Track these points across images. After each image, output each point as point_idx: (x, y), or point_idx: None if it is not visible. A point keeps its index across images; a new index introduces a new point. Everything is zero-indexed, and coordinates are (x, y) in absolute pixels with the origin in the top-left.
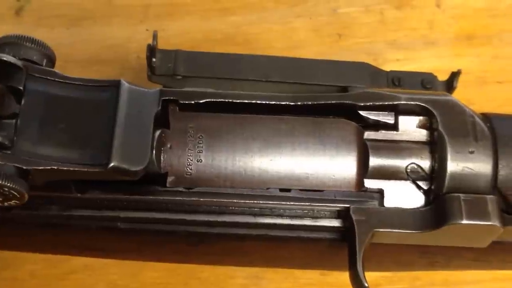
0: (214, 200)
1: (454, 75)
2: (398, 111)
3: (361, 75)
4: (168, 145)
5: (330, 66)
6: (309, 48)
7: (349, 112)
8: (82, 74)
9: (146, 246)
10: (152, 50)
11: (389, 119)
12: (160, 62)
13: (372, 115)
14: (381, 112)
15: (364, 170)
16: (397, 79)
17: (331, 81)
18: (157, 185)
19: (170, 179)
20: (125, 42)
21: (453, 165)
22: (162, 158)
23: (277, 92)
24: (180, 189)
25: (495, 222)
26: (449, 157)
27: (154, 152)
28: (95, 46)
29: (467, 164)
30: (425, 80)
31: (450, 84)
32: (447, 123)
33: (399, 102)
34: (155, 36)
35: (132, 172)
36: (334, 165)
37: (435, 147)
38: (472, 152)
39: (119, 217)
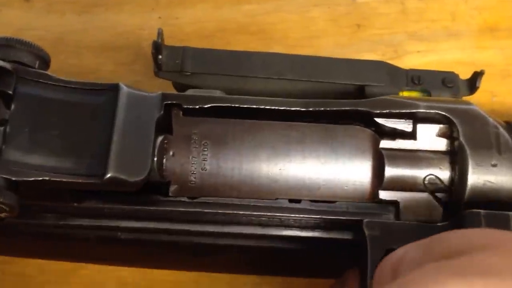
0: (219, 211)
1: (477, 75)
2: (417, 119)
3: (379, 73)
4: (171, 153)
5: (346, 64)
6: (327, 38)
7: (364, 119)
8: (94, 61)
9: (149, 255)
10: (157, 47)
11: (406, 127)
12: (167, 58)
13: (389, 123)
14: (398, 120)
15: (379, 180)
16: (417, 78)
17: (347, 79)
18: (159, 195)
19: (172, 188)
20: (137, 29)
21: (474, 179)
22: (164, 166)
23: (290, 90)
24: (184, 199)
25: None
26: (470, 170)
27: (155, 159)
28: (107, 33)
29: (489, 177)
30: (446, 79)
31: (472, 83)
32: (469, 134)
33: (417, 110)
34: (160, 33)
35: (131, 183)
36: (347, 175)
37: (455, 158)
38: (495, 165)
39: (119, 227)
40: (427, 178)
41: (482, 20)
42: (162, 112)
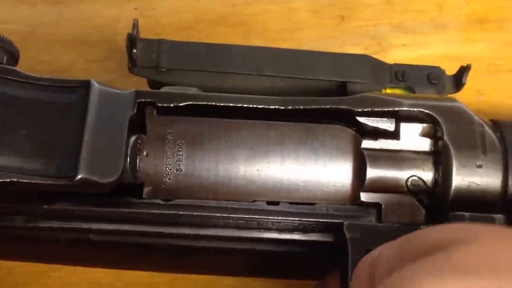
0: (194, 213)
1: (463, 70)
2: (400, 117)
3: (362, 69)
4: (145, 153)
5: (329, 58)
6: (310, 30)
7: (345, 117)
8: (66, 56)
9: (123, 257)
10: (132, 40)
11: (389, 126)
12: (142, 52)
13: (371, 122)
14: (381, 119)
15: (360, 182)
16: (401, 74)
17: (329, 75)
18: (132, 196)
19: (146, 190)
20: (113, 22)
21: (458, 180)
22: (137, 167)
23: (270, 87)
24: (158, 201)
25: None
26: (454, 170)
27: (128, 160)
28: (81, 26)
29: (474, 179)
30: (431, 75)
31: (458, 80)
32: (453, 133)
33: (400, 108)
34: (135, 25)
35: (102, 184)
36: (327, 176)
37: (439, 158)
38: (480, 166)
39: (91, 229)
40: (410, 180)
41: (471, 10)
42: (135, 110)
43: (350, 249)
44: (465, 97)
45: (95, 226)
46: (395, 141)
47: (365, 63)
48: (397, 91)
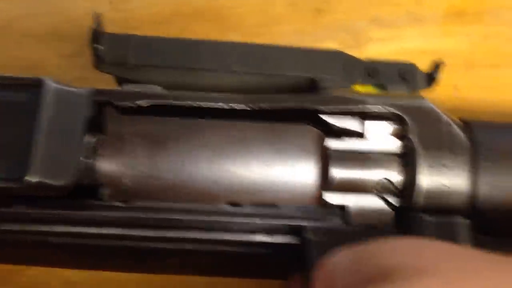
0: (154, 216)
1: (436, 66)
2: (367, 117)
3: (334, 65)
4: (103, 154)
5: (300, 54)
6: (286, 25)
7: (311, 116)
8: (40, 50)
9: (86, 259)
10: (96, 36)
11: (356, 126)
12: (109, 48)
13: (337, 121)
14: (347, 118)
15: (324, 182)
16: (373, 70)
17: (299, 71)
18: (91, 199)
19: (104, 191)
20: (87, 16)
21: (425, 181)
22: (95, 168)
23: (241, 84)
24: (117, 203)
25: None
26: (420, 171)
27: (86, 161)
28: (54, 20)
29: (441, 180)
30: (403, 71)
31: (431, 75)
32: (420, 132)
33: (367, 108)
34: (96, 19)
35: (56, 187)
36: (291, 177)
37: (407, 159)
38: (447, 167)
39: (50, 232)
40: (377, 181)
41: (449, 4)
42: (92, 109)
43: (312, 252)
44: (441, 93)
45: (54, 228)
46: (362, 140)
47: (337, 59)
48: (368, 89)
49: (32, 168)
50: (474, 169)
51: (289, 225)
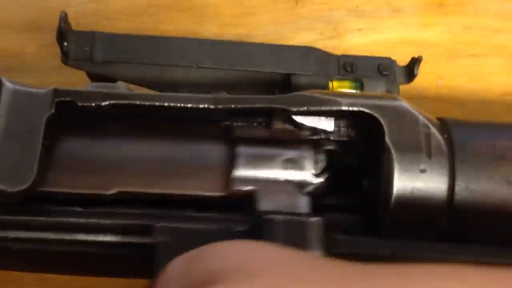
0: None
1: (415, 61)
2: (339, 117)
3: (307, 61)
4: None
5: (272, 50)
6: (263, 15)
7: (281, 116)
8: (16, 41)
9: (50, 264)
10: (62, 33)
11: (327, 126)
12: (75, 45)
13: (308, 121)
14: (318, 118)
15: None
16: (350, 65)
17: (272, 67)
18: (50, 203)
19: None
20: (63, 6)
21: (400, 185)
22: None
23: (211, 80)
24: (77, 208)
25: (314, 250)
26: (395, 175)
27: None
28: (31, 10)
29: (417, 184)
30: (382, 66)
31: (410, 70)
32: (396, 134)
33: (339, 108)
34: (63, 18)
35: (11, 193)
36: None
37: (380, 161)
38: (424, 171)
39: (7, 237)
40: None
41: None
42: (53, 110)
43: (158, 255)
44: (424, 82)
45: (12, 234)
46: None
47: (310, 54)
48: (344, 85)
49: None
50: (451, 172)
51: (138, 224)
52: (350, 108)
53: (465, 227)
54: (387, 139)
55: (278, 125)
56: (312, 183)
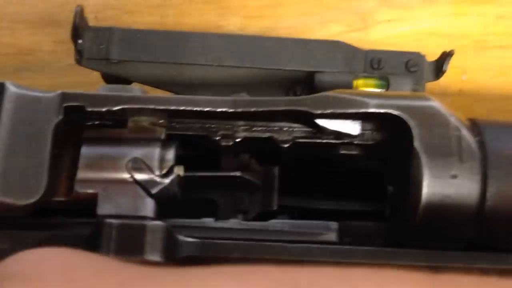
0: None
1: (445, 57)
2: (365, 119)
3: (333, 57)
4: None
5: (296, 46)
6: (290, 7)
7: (303, 118)
8: (31, 37)
9: None
10: (76, 30)
11: (353, 129)
12: (91, 43)
13: (332, 125)
14: (343, 121)
15: None
16: (377, 61)
17: (295, 65)
18: (61, 215)
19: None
20: (82, 0)
21: (430, 193)
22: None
23: (232, 78)
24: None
25: (153, 254)
26: (425, 182)
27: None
28: (48, 4)
29: (447, 191)
30: (410, 62)
31: (439, 66)
32: (425, 138)
33: (366, 110)
34: (78, 13)
35: (19, 207)
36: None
37: (409, 167)
38: (455, 177)
39: None
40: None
41: None
42: (61, 116)
43: None
44: (448, 76)
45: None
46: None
47: (336, 50)
48: (370, 83)
49: None
50: (483, 178)
51: None
52: (378, 110)
53: (494, 236)
54: (416, 143)
55: (134, 123)
56: (158, 184)
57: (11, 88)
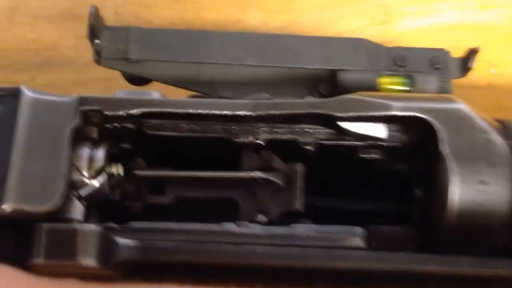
0: None
1: (471, 53)
2: (389, 122)
3: (356, 54)
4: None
5: (318, 44)
6: (310, 0)
7: (325, 121)
8: (53, 33)
9: None
10: (93, 30)
11: (376, 132)
12: (108, 42)
13: (355, 128)
14: (366, 124)
15: None
16: (401, 59)
17: (318, 63)
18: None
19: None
20: None
21: (457, 198)
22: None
23: (253, 77)
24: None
25: (86, 258)
26: (451, 187)
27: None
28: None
29: (476, 198)
30: (435, 59)
31: (465, 63)
32: (452, 142)
33: (389, 113)
34: (93, 13)
35: (37, 214)
36: None
37: (433, 172)
38: (483, 182)
39: None
40: None
41: None
42: (78, 120)
43: None
44: (476, 70)
45: None
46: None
47: (359, 47)
48: (394, 81)
49: (9, 195)
50: None
51: None
52: (402, 113)
53: None
54: (442, 147)
55: None
56: (86, 186)
57: (27, 93)
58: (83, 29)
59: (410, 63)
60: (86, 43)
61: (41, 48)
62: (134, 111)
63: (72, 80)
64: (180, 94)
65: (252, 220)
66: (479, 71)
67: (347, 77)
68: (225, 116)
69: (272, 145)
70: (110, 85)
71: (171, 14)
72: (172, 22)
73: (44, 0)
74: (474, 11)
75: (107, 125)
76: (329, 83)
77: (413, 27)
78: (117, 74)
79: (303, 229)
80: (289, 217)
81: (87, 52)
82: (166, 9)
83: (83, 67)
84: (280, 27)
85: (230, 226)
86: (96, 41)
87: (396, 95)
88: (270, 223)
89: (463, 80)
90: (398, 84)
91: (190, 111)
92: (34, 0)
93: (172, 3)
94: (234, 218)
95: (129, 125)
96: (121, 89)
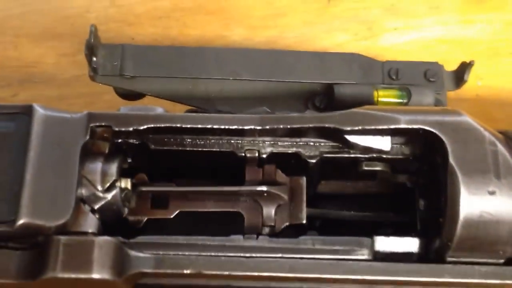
0: None
1: (465, 67)
2: (396, 135)
3: (350, 68)
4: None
5: (313, 59)
6: (294, 16)
7: (332, 134)
8: (35, 51)
9: None
10: (90, 47)
11: (383, 145)
12: (104, 59)
13: (362, 141)
14: (373, 137)
15: None
16: (395, 72)
17: (313, 77)
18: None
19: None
20: (84, 12)
21: (467, 210)
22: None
23: (249, 91)
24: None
25: (101, 270)
26: (462, 199)
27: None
28: (49, 17)
29: (486, 208)
30: (429, 72)
31: (459, 76)
32: (461, 154)
33: (397, 126)
34: (92, 31)
35: (49, 228)
36: None
37: (441, 184)
38: (493, 193)
39: None
40: None
41: None
42: (88, 136)
43: None
44: None
45: None
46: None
47: (353, 61)
48: (391, 94)
49: (23, 210)
50: None
51: None
52: (410, 126)
53: None
54: (451, 159)
55: None
56: (100, 199)
57: (39, 110)
58: (65, 48)
59: (404, 76)
60: (68, 60)
61: (23, 65)
62: (144, 127)
63: (55, 96)
64: (176, 109)
65: (258, 233)
66: (467, 83)
67: (344, 90)
68: (233, 130)
69: (275, 158)
70: (92, 100)
71: (154, 31)
72: (155, 39)
73: (25, 19)
74: (457, 26)
75: (117, 140)
76: (325, 97)
77: (396, 42)
78: (99, 89)
79: (310, 241)
80: (293, 229)
81: (69, 69)
82: (148, 27)
83: (65, 83)
84: (264, 42)
85: (238, 239)
86: (94, 58)
87: (401, 108)
88: (275, 235)
89: (450, 93)
90: (394, 96)
91: (199, 126)
92: (15, 19)
93: (155, 20)
94: (237, 231)
95: (134, 141)
96: (104, 104)
